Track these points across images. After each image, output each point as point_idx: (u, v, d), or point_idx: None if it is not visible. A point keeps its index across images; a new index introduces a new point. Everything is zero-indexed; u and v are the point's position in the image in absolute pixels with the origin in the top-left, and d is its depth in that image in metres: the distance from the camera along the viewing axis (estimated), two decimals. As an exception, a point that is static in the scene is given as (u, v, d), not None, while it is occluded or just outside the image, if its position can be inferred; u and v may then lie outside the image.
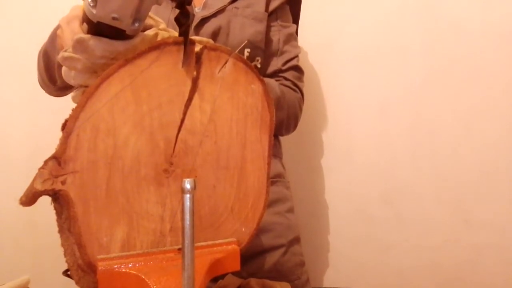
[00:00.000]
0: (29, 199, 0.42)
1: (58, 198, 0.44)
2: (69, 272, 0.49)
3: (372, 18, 1.07)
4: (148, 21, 0.51)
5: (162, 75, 0.47)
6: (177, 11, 0.46)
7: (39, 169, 0.41)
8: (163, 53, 0.46)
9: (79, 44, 0.45)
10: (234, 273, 0.68)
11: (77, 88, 0.51)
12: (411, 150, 1.04)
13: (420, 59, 1.03)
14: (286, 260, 0.80)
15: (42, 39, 0.71)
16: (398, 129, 1.05)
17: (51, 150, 0.43)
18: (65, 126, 0.43)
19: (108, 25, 0.44)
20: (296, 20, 0.94)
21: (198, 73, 0.49)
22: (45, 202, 0.45)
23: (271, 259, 0.79)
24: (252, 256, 0.77)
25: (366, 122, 1.07)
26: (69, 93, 0.55)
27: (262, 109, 0.54)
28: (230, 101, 0.51)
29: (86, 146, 0.43)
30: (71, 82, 0.49)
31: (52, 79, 0.73)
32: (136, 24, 0.45)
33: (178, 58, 0.47)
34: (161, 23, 0.53)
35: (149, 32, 0.49)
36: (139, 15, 0.44)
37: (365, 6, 1.08)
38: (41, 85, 0.79)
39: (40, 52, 0.74)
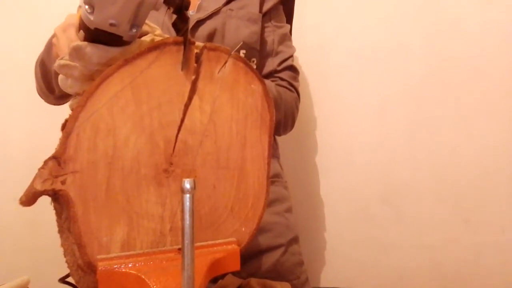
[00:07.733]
0: (29, 199, 0.42)
1: (58, 198, 0.44)
2: (67, 279, 0.48)
3: (370, 18, 1.07)
4: (144, 28, 0.50)
5: (162, 75, 0.47)
6: (172, 14, 0.46)
7: (39, 169, 0.41)
8: (163, 53, 0.46)
9: (75, 52, 0.45)
10: (234, 273, 0.68)
11: (75, 96, 0.51)
12: (411, 150, 1.03)
13: (419, 59, 1.03)
14: (285, 260, 0.80)
15: (42, 38, 0.71)
16: (397, 129, 1.05)
17: (51, 150, 0.43)
18: (65, 126, 0.43)
19: (105, 31, 0.43)
20: (289, 20, 0.95)
21: (198, 73, 0.49)
22: (45, 202, 0.45)
23: (270, 259, 0.79)
24: (251, 256, 0.77)
25: (366, 122, 1.07)
26: (69, 101, 0.55)
27: (262, 109, 0.54)
28: (230, 101, 0.51)
29: (86, 146, 0.43)
30: (68, 90, 0.48)
31: (50, 88, 0.73)
32: (134, 30, 0.45)
33: (178, 58, 0.47)
34: (156, 29, 0.52)
35: (146, 38, 0.49)
36: (136, 21, 0.44)
37: (364, 5, 1.08)
38: (40, 95, 0.79)
39: (36, 62, 0.73)
